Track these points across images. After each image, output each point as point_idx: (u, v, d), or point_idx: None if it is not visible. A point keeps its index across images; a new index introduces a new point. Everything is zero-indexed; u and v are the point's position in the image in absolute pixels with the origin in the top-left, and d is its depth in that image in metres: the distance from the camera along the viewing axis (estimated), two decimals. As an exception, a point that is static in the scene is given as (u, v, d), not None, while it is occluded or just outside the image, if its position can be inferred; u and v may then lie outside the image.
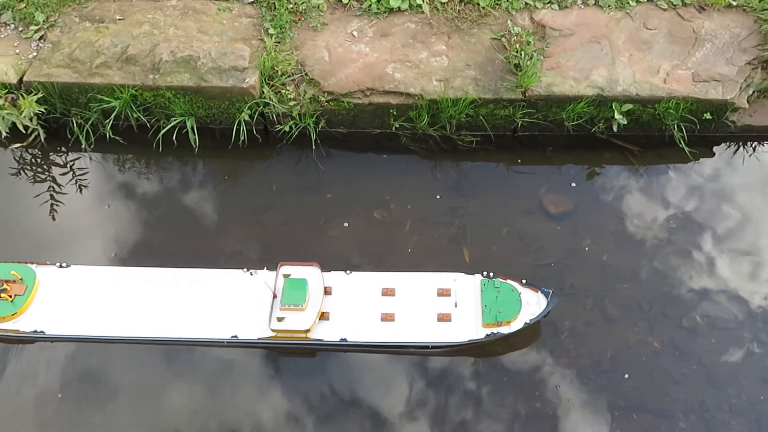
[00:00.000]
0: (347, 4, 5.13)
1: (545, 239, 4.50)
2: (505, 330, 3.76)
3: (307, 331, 3.72)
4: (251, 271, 4.07)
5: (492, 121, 4.88)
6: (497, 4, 5.11)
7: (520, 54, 4.72)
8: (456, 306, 3.87)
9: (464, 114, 4.76)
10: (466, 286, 3.97)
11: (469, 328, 3.78)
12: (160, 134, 4.74)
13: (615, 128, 4.77)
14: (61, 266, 4.02)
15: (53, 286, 3.94)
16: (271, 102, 4.70)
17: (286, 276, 3.85)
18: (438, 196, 4.72)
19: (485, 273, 4.05)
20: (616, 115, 4.67)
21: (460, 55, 4.89)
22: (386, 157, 4.98)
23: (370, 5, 5.08)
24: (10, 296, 3.77)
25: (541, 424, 3.76)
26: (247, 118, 4.72)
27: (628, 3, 5.13)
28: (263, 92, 4.71)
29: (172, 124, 4.73)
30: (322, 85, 4.76)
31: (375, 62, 4.86)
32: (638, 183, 4.82)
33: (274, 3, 5.07)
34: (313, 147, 4.86)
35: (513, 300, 3.85)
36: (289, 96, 4.74)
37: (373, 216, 4.62)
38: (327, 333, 3.79)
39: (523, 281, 3.99)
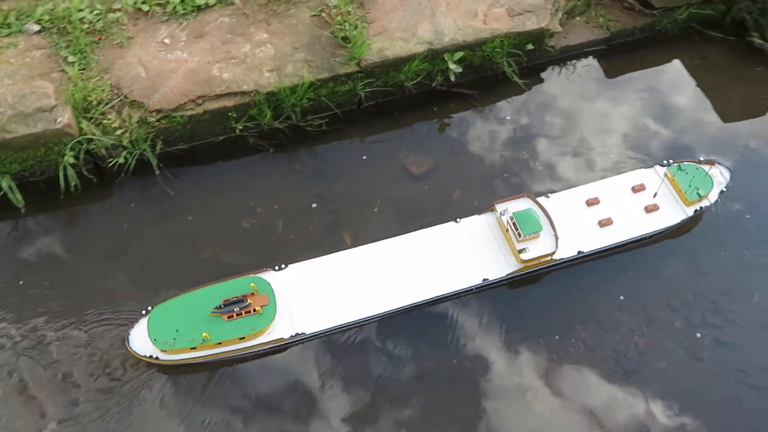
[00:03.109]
0: (149, 11, 4.70)
1: (418, 201, 4.52)
2: (706, 203, 4.12)
3: (553, 253, 3.84)
4: (456, 220, 4.11)
5: (335, 99, 4.77)
6: (307, -21, 4.95)
7: (344, 26, 4.62)
8: (655, 196, 4.13)
9: (306, 99, 4.61)
10: (654, 177, 4.24)
11: (677, 210, 4.14)
12: (-27, 204, 4.12)
13: (452, 78, 4.86)
14: (279, 268, 3.89)
15: (283, 288, 3.79)
16: (94, 137, 4.23)
17: (501, 214, 4.00)
18: (302, 188, 4.56)
19: (664, 162, 4.34)
20: (450, 65, 4.75)
21: (284, 40, 4.69)
22: (238, 162, 4.70)
23: (175, 7, 4.70)
24: (257, 309, 3.57)
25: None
26: (72, 160, 4.21)
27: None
28: (82, 128, 4.22)
29: (-17, 189, 4.13)
30: (147, 105, 4.35)
31: (197, 67, 4.52)
32: (484, 122, 4.98)
33: (65, 27, 4.52)
34: (157, 171, 4.48)
35: (702, 176, 4.16)
36: (113, 125, 4.29)
37: (242, 226, 4.38)
38: (564, 251, 3.95)
39: (700, 158, 4.35)
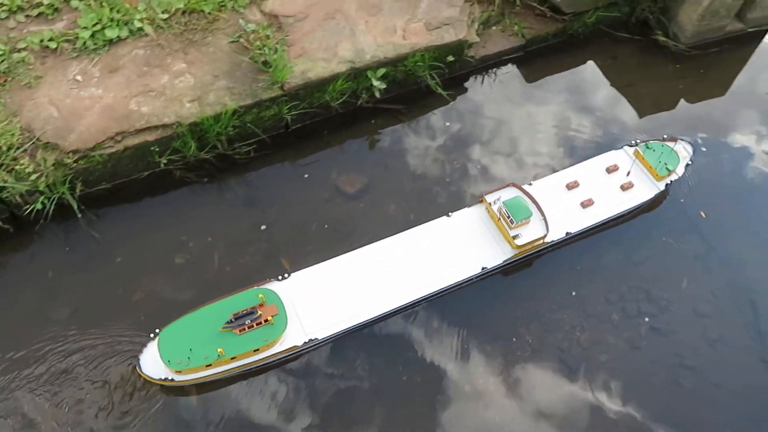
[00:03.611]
0: (57, 48, 4.51)
1: (354, 219, 4.51)
2: (675, 176, 4.49)
3: (545, 236, 4.09)
4: (449, 214, 4.31)
5: (261, 125, 4.70)
6: (222, 5, 4.87)
7: (264, 50, 4.57)
8: (628, 174, 4.47)
9: (230, 127, 4.52)
10: (624, 157, 4.60)
11: (650, 186, 4.46)
12: None
13: (377, 94, 4.89)
14: (282, 278, 3.96)
15: (289, 296, 3.86)
16: (6, 184, 4.00)
17: (491, 204, 4.22)
18: (236, 218, 4.47)
19: (632, 142, 4.69)
20: (374, 82, 4.78)
21: (204, 69, 4.60)
22: (166, 196, 4.55)
23: (85, 42, 4.53)
24: (269, 319, 3.65)
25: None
26: (-17, 211, 3.98)
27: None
28: (-8, 176, 4.00)
29: None
30: (63, 146, 4.16)
31: (114, 102, 4.36)
32: (414, 135, 5.03)
33: (-35, 71, 4.29)
34: (79, 214, 4.28)
35: (669, 152, 4.53)
36: (26, 170, 4.07)
37: (175, 262, 4.23)
38: (554, 234, 4.20)
39: (664, 136, 4.72)
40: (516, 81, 5.49)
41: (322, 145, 4.92)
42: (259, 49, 4.59)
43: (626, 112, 5.31)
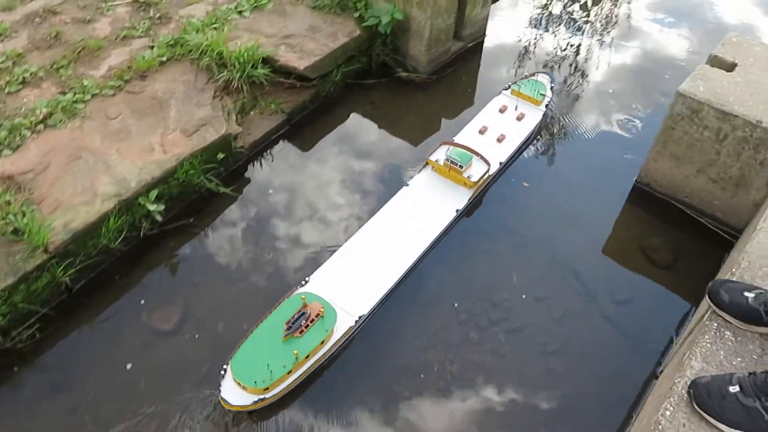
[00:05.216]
0: None
1: (182, 355, 4.03)
2: (548, 99, 5.59)
3: (489, 169, 4.88)
4: (407, 183, 4.93)
5: (37, 299, 4.06)
6: (-61, 187, 4.16)
7: (9, 218, 3.97)
8: (516, 108, 5.49)
9: (0, 316, 3.81)
10: (507, 98, 5.63)
11: (536, 111, 5.51)
12: None
13: (159, 218, 4.52)
14: (305, 282, 4.15)
15: (322, 292, 4.04)
16: None
17: (436, 161, 4.94)
18: (47, 410, 3.74)
19: (506, 86, 5.71)
20: (150, 207, 4.41)
21: (-61, 265, 3.84)
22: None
23: None
24: (320, 312, 3.80)
25: None
26: None
27: (75, 107, 4.82)
28: None
29: None
30: None
31: None
32: (213, 242, 4.73)
33: None
34: None
35: (535, 83, 5.62)
36: None
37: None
38: (493, 167, 4.97)
39: (525, 74, 5.91)
40: (292, 154, 5.49)
41: (118, 292, 4.38)
42: (2, 218, 3.98)
43: (400, 146, 5.59)
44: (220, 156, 4.94)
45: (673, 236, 4.81)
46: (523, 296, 4.44)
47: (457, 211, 4.76)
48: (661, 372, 3.84)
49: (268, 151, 5.48)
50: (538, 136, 5.67)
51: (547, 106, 5.67)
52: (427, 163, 5.07)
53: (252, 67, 5.36)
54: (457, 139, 5.29)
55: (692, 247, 4.75)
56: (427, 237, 4.60)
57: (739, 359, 2.74)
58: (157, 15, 5.84)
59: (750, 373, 2.49)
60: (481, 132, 5.35)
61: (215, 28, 5.64)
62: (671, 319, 4.33)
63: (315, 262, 4.48)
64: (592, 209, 5.09)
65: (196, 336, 4.15)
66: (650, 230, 4.88)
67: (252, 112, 5.50)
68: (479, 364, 4.08)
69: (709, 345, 2.81)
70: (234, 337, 4.03)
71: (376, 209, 4.79)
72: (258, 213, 4.97)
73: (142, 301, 4.32)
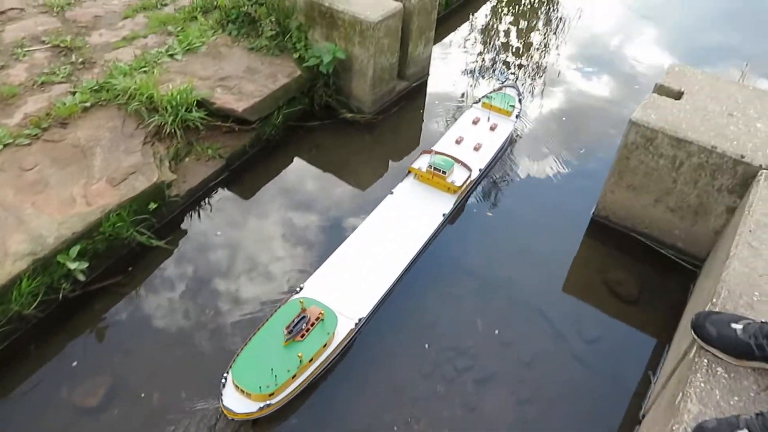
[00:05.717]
0: None
1: (113, 435, 3.50)
2: (518, 110, 5.87)
3: (471, 174, 5.06)
4: (392, 192, 5.03)
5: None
6: None
7: None
8: (489, 119, 5.73)
9: None
10: (479, 111, 5.87)
11: (507, 121, 5.75)
12: None
13: (81, 277, 4.01)
14: (300, 289, 4.13)
15: (319, 296, 4.01)
16: None
17: (419, 169, 5.08)
18: None
19: (476, 100, 6.00)
20: (71, 266, 3.91)
21: None
22: None
23: None
24: (320, 315, 3.77)
25: None
26: None
27: (-14, 159, 4.31)
28: None
29: None
30: None
31: None
32: (145, 301, 4.25)
33: None
34: None
35: (504, 96, 5.94)
36: None
37: None
38: (474, 172, 5.13)
39: (494, 87, 6.23)
40: (232, 202, 5.10)
41: (34, 365, 3.81)
42: None
43: (346, 190, 5.30)
44: (153, 206, 4.50)
45: (636, 269, 4.66)
46: (489, 343, 4.14)
47: (443, 215, 4.82)
48: (644, 416, 3.58)
49: (205, 200, 5.07)
50: (510, 147, 5.83)
51: (517, 116, 5.91)
52: (409, 171, 5.16)
53: (186, 110, 5.00)
54: (436, 147, 5.44)
55: (656, 279, 4.61)
56: (418, 241, 4.63)
57: (736, 398, 2.51)
58: (80, 60, 5.43)
59: (757, 414, 2.26)
60: (458, 142, 5.50)
61: (145, 72, 5.27)
62: (643, 355, 4.12)
63: (254, 321, 4.08)
64: (550, 246, 4.90)
65: (126, 409, 3.62)
66: (612, 264, 4.72)
67: (187, 159, 5.10)
68: (448, 419, 3.71)
69: (702, 385, 2.57)
70: (173, 408, 3.56)
71: (324, 257, 4.46)
72: (196, 268, 4.52)
73: (62, 375, 3.77)
